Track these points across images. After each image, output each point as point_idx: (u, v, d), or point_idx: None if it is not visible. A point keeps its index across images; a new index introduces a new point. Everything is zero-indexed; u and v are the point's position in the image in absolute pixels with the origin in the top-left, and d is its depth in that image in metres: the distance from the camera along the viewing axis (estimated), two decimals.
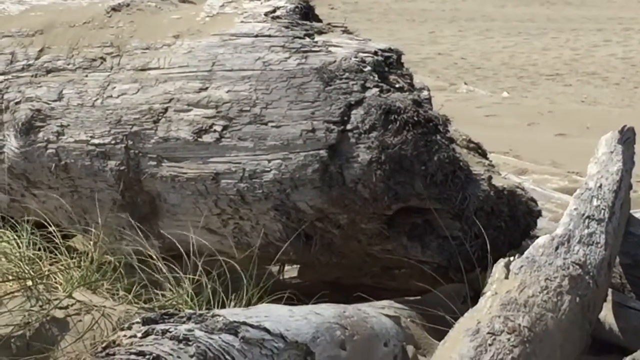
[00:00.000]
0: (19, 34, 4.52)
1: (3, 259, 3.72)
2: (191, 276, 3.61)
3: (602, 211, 3.77)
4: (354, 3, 23.26)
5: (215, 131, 3.81)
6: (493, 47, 17.52)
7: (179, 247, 3.93)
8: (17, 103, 4.30)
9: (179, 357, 2.55)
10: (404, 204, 3.62)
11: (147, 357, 2.51)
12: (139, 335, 2.58)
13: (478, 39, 18.49)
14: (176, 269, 3.71)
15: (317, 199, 3.72)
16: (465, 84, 12.86)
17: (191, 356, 2.59)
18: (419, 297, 3.92)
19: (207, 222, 3.99)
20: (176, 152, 3.91)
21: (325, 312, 3.27)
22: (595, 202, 3.75)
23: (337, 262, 3.97)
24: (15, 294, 3.41)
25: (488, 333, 3.08)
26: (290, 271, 4.35)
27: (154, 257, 3.71)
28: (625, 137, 4.20)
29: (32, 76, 4.34)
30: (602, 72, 14.82)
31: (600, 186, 3.89)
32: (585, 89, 13.56)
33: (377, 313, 3.62)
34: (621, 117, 9.78)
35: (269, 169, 3.73)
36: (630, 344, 3.67)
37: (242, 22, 3.92)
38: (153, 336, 2.56)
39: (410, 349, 3.58)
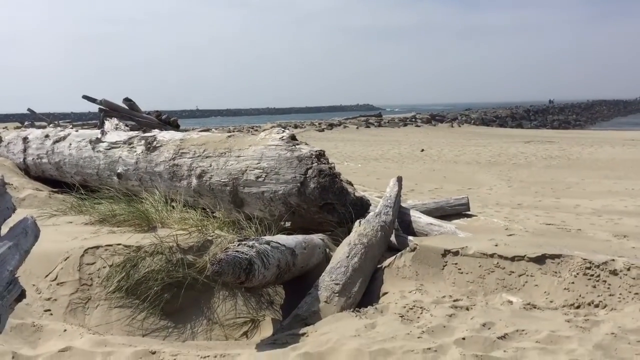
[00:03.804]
0: (195, 145, 6.15)
1: (191, 220, 5.05)
2: (255, 226, 4.93)
3: (391, 204, 5.34)
4: (308, 137, 28.07)
5: (263, 177, 5.28)
6: (367, 149, 22.80)
7: (251, 217, 5.17)
8: (194, 169, 5.95)
9: (248, 251, 3.66)
10: (326, 202, 5.11)
11: (239, 251, 3.58)
12: (237, 244, 3.76)
13: (361, 146, 23.94)
14: (250, 224, 4.97)
15: (297, 200, 5.11)
16: (346, 162, 17.75)
17: (253, 250, 3.70)
18: (330, 232, 5.26)
19: (260, 207, 5.39)
20: (249, 184, 5.39)
21: (299, 237, 4.57)
22: (389, 202, 5.41)
23: (303, 221, 5.32)
24: (195, 231, 4.72)
25: (354, 244, 4.58)
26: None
27: (242, 220, 5.08)
28: (398, 179, 5.90)
29: (200, 159, 5.94)
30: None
31: (390, 196, 5.58)
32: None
33: (317, 237, 4.96)
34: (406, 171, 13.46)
35: (280, 190, 5.18)
36: (400, 248, 4.96)
37: (272, 140, 5.42)
38: (241, 245, 3.76)
39: (327, 251, 4.87)
